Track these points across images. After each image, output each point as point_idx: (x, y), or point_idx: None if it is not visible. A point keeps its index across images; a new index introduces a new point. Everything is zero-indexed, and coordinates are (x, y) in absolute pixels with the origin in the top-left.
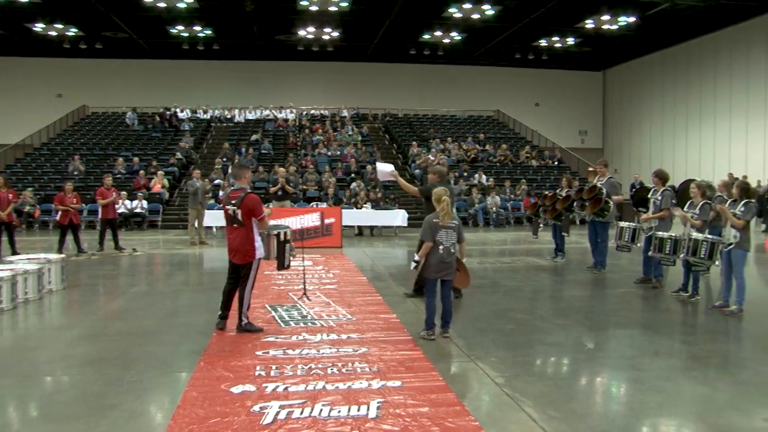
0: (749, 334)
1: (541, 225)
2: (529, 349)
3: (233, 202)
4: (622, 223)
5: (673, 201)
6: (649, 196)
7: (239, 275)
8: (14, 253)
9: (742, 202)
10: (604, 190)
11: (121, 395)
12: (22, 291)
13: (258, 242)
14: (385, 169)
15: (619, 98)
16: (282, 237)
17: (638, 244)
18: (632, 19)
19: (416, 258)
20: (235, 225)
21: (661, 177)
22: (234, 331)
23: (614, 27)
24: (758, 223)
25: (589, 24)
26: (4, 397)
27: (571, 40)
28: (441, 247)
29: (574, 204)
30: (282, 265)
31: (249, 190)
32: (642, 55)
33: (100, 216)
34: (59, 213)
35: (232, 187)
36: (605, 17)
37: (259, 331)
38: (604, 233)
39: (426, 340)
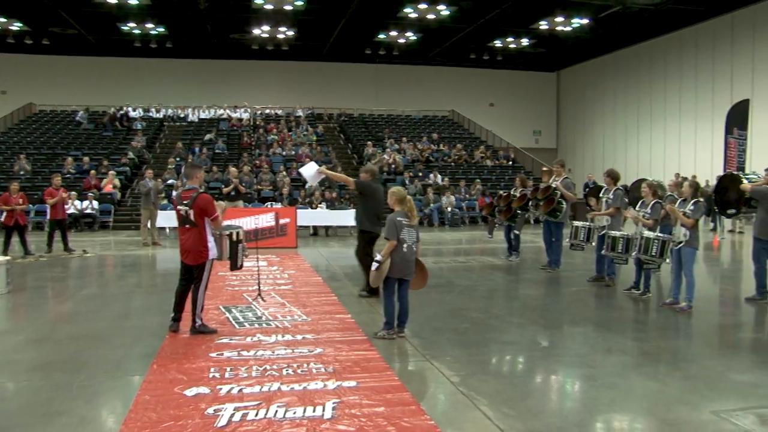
0: (698, 330)
1: (497, 225)
2: (484, 347)
3: (185, 202)
4: (577, 223)
5: (625, 200)
6: (601, 195)
7: (192, 276)
8: None
9: (692, 202)
10: (558, 191)
11: (70, 401)
12: None
13: (211, 243)
14: (310, 171)
15: (572, 99)
16: (235, 237)
17: (592, 243)
18: (585, 21)
19: (378, 258)
20: (187, 225)
21: (613, 177)
22: (187, 333)
23: (568, 28)
24: (707, 222)
25: (543, 25)
26: None
27: (525, 41)
28: (405, 246)
29: (530, 203)
30: (235, 266)
31: (201, 190)
32: (595, 56)
33: (48, 217)
34: (4, 214)
35: (184, 188)
36: (559, 19)
37: (214, 333)
38: (558, 233)
39: (385, 339)
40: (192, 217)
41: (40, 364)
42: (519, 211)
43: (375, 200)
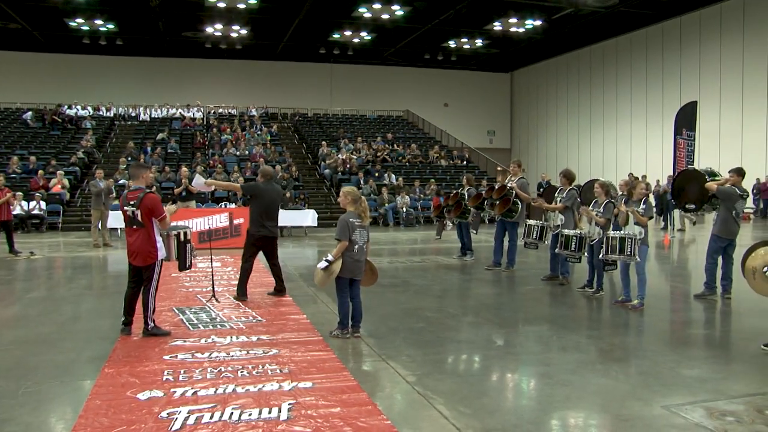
0: (649, 326)
1: (448, 225)
2: (440, 347)
3: (132, 203)
4: (530, 221)
5: (578, 200)
6: (555, 195)
7: (141, 278)
8: None
9: (642, 201)
10: (514, 191)
11: (15, 408)
12: None
13: (159, 243)
14: (199, 181)
15: (526, 99)
16: (182, 237)
17: (546, 242)
18: (538, 23)
19: (329, 257)
20: (134, 226)
21: (568, 176)
22: (140, 335)
23: (521, 30)
24: (658, 221)
25: (497, 26)
26: None
27: (479, 42)
28: (356, 247)
29: (485, 202)
30: (184, 266)
31: (147, 190)
32: (548, 57)
33: None
34: None
35: (130, 188)
36: (513, 20)
37: (167, 335)
38: (513, 233)
39: (338, 339)
40: (139, 217)
41: None
42: (475, 211)
43: (262, 201)
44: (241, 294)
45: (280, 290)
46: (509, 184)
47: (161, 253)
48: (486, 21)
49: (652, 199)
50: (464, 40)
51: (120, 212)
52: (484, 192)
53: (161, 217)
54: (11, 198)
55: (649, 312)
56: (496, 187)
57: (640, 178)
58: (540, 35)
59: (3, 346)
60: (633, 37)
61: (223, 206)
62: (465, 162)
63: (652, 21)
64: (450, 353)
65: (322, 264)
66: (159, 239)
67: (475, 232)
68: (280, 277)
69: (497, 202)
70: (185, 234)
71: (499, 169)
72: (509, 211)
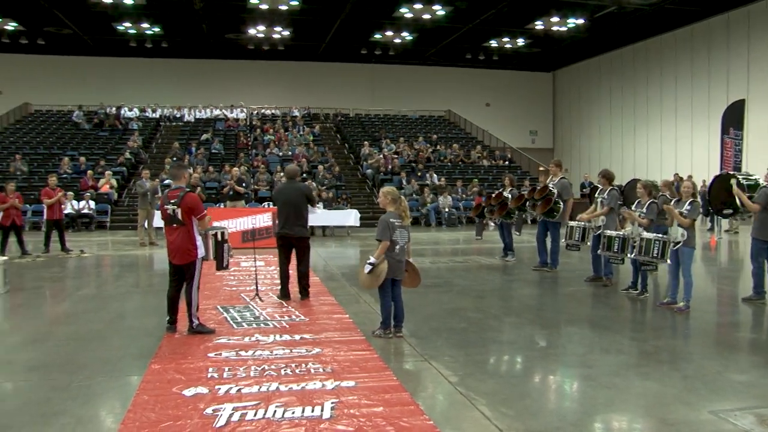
0: (696, 330)
1: (491, 225)
2: (482, 347)
3: (172, 201)
4: (572, 222)
5: (620, 201)
6: (596, 195)
7: (182, 277)
8: None
9: (688, 202)
10: (555, 191)
11: (68, 401)
12: None
13: (199, 241)
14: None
15: (568, 99)
16: (220, 237)
17: (588, 243)
18: (581, 21)
19: (372, 260)
20: (174, 225)
21: (607, 177)
22: (185, 333)
23: (563, 29)
24: (704, 222)
25: (539, 25)
26: None
27: (521, 41)
28: (397, 247)
29: (527, 203)
30: (221, 266)
31: (188, 189)
32: (591, 56)
33: (45, 217)
34: (1, 214)
35: (171, 187)
36: (554, 19)
37: (211, 333)
38: (555, 233)
39: (381, 338)
40: (179, 216)
41: (38, 365)
42: (516, 212)
43: (278, 201)
44: (283, 295)
45: (301, 294)
46: (550, 185)
47: (201, 251)
48: (527, 20)
49: (699, 199)
50: (506, 39)
51: None
52: (525, 193)
53: (200, 216)
54: (63, 198)
55: (695, 315)
56: (538, 188)
57: (685, 178)
58: (582, 34)
59: (56, 341)
60: (678, 34)
61: (266, 206)
62: (507, 162)
63: (698, 18)
64: (492, 354)
65: (366, 267)
66: (198, 238)
67: (518, 233)
68: (302, 283)
69: (539, 203)
70: (222, 234)
71: (541, 169)
72: (551, 211)
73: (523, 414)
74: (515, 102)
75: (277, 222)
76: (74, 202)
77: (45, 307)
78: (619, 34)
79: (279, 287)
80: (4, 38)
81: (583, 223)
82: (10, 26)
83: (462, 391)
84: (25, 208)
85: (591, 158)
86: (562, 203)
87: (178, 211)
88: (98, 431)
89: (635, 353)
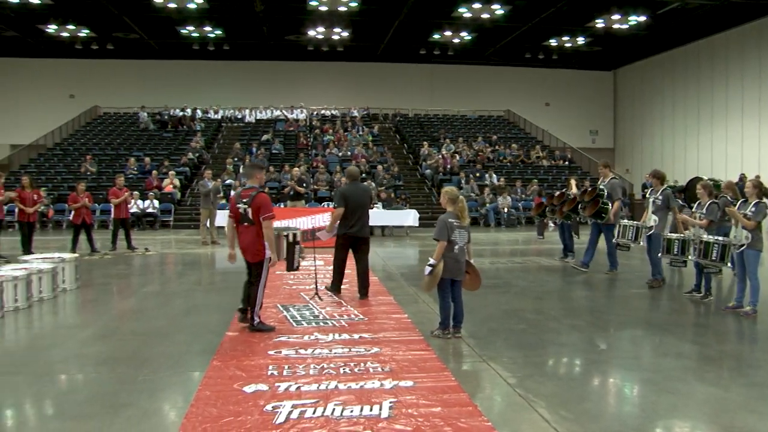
0: (763, 335)
1: (551, 225)
2: (541, 349)
3: (244, 200)
4: (624, 222)
5: (678, 201)
6: (648, 195)
7: (257, 273)
8: (29, 252)
9: (753, 203)
10: (605, 192)
11: (134, 394)
12: (37, 290)
13: (267, 243)
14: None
15: (630, 98)
16: (291, 238)
17: (640, 243)
18: (643, 19)
19: (431, 261)
20: (245, 224)
21: (659, 177)
22: (246, 330)
23: (624, 26)
24: None
25: (600, 23)
26: (21, 394)
27: (581, 40)
28: (456, 247)
29: (579, 205)
30: (291, 267)
31: (260, 189)
32: (653, 54)
33: (112, 216)
34: (72, 213)
35: (244, 187)
36: (615, 16)
37: (271, 331)
38: (608, 234)
39: (439, 339)
40: (250, 215)
41: (106, 358)
42: (570, 214)
43: (348, 204)
44: (336, 289)
45: (360, 294)
46: (600, 186)
47: (269, 252)
48: (588, 18)
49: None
50: (566, 38)
51: (226, 211)
52: (578, 195)
53: (266, 216)
54: (129, 197)
55: (762, 319)
56: (588, 189)
57: (749, 179)
58: (644, 31)
59: (123, 336)
60: (744, 30)
61: (325, 206)
62: (567, 162)
63: (766, 12)
64: (551, 356)
65: (427, 270)
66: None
67: (577, 236)
68: (364, 282)
69: (588, 205)
70: (294, 235)
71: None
72: (599, 213)
73: (583, 417)
74: (575, 101)
75: (339, 222)
76: (139, 202)
77: (113, 303)
78: (683, 31)
79: (331, 282)
80: (77, 45)
81: (636, 222)
82: (83, 33)
83: (521, 392)
84: (94, 207)
85: (653, 158)
86: (610, 204)
87: (249, 211)
88: (163, 424)
89: (698, 358)
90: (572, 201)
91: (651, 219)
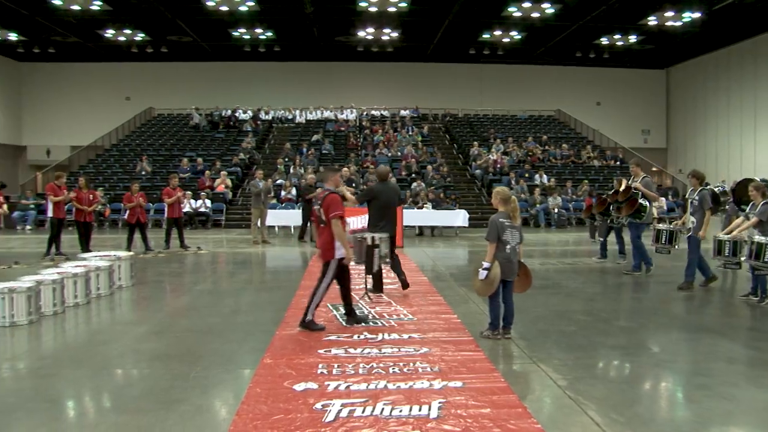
0: None
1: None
2: (592, 351)
3: (319, 202)
4: (660, 225)
5: (730, 202)
6: (687, 196)
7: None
8: (87, 250)
9: None
10: (640, 192)
11: (187, 390)
12: (95, 287)
13: (338, 243)
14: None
15: (683, 96)
16: (370, 242)
17: (676, 246)
18: (697, 15)
19: (486, 264)
20: (321, 225)
21: (698, 177)
22: (296, 329)
23: (678, 23)
24: None
25: (652, 21)
26: (81, 387)
27: (633, 38)
28: (507, 247)
29: (611, 207)
30: (370, 270)
31: (332, 191)
32: (707, 51)
33: (166, 215)
34: (127, 212)
35: (322, 188)
36: (669, 13)
37: (321, 330)
38: (635, 232)
39: (489, 339)
40: (323, 216)
41: (160, 354)
42: (599, 216)
43: (378, 203)
44: (378, 289)
45: (403, 286)
46: (633, 185)
47: (339, 252)
48: (640, 16)
49: None
50: (617, 36)
51: (278, 211)
52: (609, 197)
53: (331, 216)
54: (182, 197)
55: None
56: (621, 190)
57: None
58: (699, 28)
59: (177, 333)
60: None
61: None
62: (618, 162)
63: None
64: (602, 358)
65: (482, 274)
66: (337, 241)
67: (601, 239)
68: (401, 275)
69: (623, 205)
70: (373, 239)
71: (653, 170)
72: (637, 212)
73: (634, 421)
74: (627, 100)
75: (368, 222)
76: (192, 201)
77: (166, 300)
78: (739, 26)
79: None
80: (133, 48)
81: (670, 226)
82: (139, 37)
83: (571, 395)
84: (148, 207)
85: (707, 158)
86: (648, 204)
87: (322, 212)
88: (214, 420)
89: (755, 363)
90: (603, 202)
91: (689, 220)
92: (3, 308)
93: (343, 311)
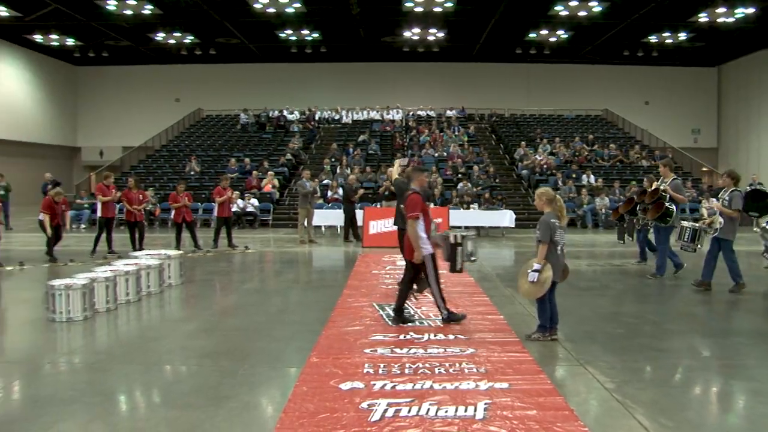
0: None
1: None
2: (639, 354)
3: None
4: (684, 223)
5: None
6: (719, 195)
7: (411, 269)
8: (140, 249)
9: None
10: (668, 194)
11: (235, 387)
12: (145, 285)
13: (424, 239)
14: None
15: (735, 94)
16: (453, 240)
17: (700, 245)
18: (751, 11)
19: (536, 266)
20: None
21: (733, 177)
22: (341, 329)
23: (730, 19)
24: None
25: (703, 18)
26: (132, 382)
27: (683, 35)
28: (558, 247)
29: (638, 207)
30: (454, 269)
31: (415, 191)
32: (761, 48)
33: (215, 214)
34: (173, 211)
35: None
36: (721, 10)
37: (462, 319)
38: (662, 237)
39: (537, 341)
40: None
41: (209, 352)
42: (626, 216)
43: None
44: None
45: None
46: (661, 187)
47: (427, 249)
48: (690, 13)
49: None
50: (666, 34)
51: (324, 211)
52: (635, 196)
53: (409, 216)
54: (232, 197)
55: None
56: (649, 191)
57: None
58: (752, 24)
59: (225, 331)
60: None
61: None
62: None
63: None
64: (650, 361)
65: (532, 276)
66: (423, 236)
67: (622, 241)
68: None
69: (650, 207)
70: (456, 237)
71: (704, 169)
72: (663, 216)
73: (684, 426)
74: (676, 99)
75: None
76: (239, 201)
77: (214, 298)
78: None
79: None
80: (183, 51)
81: (695, 224)
82: (188, 40)
83: (618, 398)
84: (196, 206)
85: (760, 158)
86: (675, 207)
87: (404, 210)
88: (262, 417)
89: None
90: (629, 202)
91: (717, 221)
92: (60, 304)
93: (390, 310)
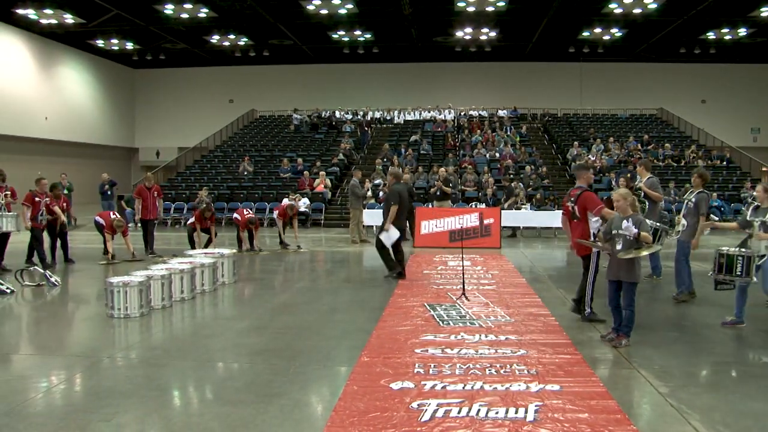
0: None
1: None
2: (695, 358)
3: (572, 199)
4: (649, 221)
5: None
6: (684, 196)
7: (584, 266)
8: (151, 250)
9: None
10: (641, 193)
11: (286, 385)
12: (200, 283)
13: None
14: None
15: None
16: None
17: (661, 245)
18: None
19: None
20: (575, 220)
21: (703, 177)
22: (392, 329)
23: None
24: None
25: (765, 12)
26: (186, 378)
27: (743, 31)
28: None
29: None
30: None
31: (585, 189)
32: None
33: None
34: (235, 213)
35: (573, 186)
36: None
37: (602, 322)
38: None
39: (622, 348)
40: (577, 212)
41: (260, 349)
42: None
43: (402, 203)
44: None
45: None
46: (638, 185)
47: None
48: (751, 7)
49: None
50: (725, 30)
51: (375, 211)
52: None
53: (595, 210)
54: (296, 200)
55: None
56: (613, 195)
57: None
58: None
59: (277, 329)
60: None
61: (473, 206)
62: (725, 162)
63: None
64: (707, 367)
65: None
66: (593, 232)
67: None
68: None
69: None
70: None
71: (764, 170)
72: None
73: None
74: (734, 97)
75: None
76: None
77: (266, 297)
78: None
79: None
80: (237, 53)
81: (656, 224)
82: (242, 42)
83: (673, 403)
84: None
85: None
86: (647, 203)
87: (576, 208)
88: (312, 416)
89: None
90: (609, 202)
91: (680, 223)
92: (118, 301)
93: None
